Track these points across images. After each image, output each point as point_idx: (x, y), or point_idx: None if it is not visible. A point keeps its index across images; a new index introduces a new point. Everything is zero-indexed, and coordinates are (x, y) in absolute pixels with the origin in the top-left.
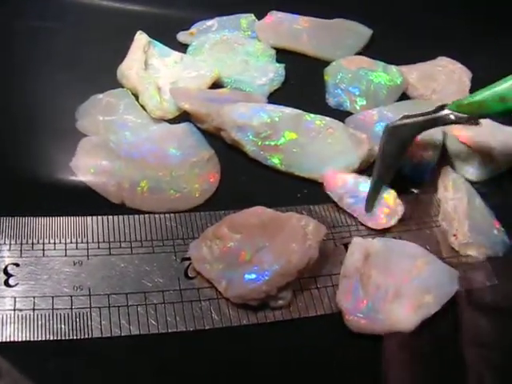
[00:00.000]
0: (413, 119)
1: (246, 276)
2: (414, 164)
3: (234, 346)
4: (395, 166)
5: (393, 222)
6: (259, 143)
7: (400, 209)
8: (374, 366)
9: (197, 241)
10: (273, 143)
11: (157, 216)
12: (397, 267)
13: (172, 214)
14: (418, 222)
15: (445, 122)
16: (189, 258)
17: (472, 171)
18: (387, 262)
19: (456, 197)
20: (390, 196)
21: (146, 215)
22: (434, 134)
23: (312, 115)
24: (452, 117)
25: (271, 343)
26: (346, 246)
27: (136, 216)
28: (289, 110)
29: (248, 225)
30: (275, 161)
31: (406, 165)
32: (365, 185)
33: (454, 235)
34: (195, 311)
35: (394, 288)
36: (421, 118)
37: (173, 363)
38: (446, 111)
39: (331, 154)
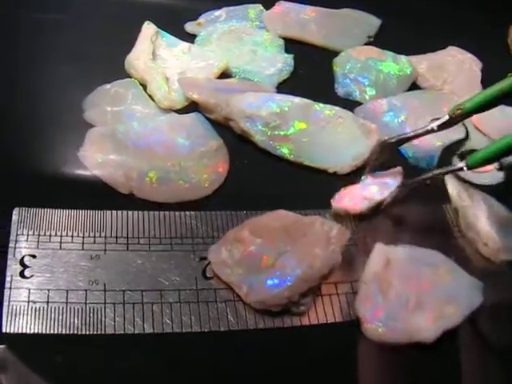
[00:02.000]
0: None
1: (268, 281)
2: (424, 153)
3: (248, 350)
4: None
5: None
6: (268, 133)
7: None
8: (392, 376)
9: (216, 244)
10: (282, 133)
11: (177, 213)
12: (419, 276)
13: (193, 212)
14: (440, 233)
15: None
16: (207, 258)
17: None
18: (409, 270)
19: (474, 204)
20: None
21: (166, 212)
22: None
23: (321, 105)
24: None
25: (287, 348)
26: (368, 252)
27: (156, 212)
28: (298, 100)
29: (270, 229)
30: (284, 151)
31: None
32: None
33: (485, 244)
34: (211, 312)
35: (415, 297)
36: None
37: (185, 363)
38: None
39: (341, 143)
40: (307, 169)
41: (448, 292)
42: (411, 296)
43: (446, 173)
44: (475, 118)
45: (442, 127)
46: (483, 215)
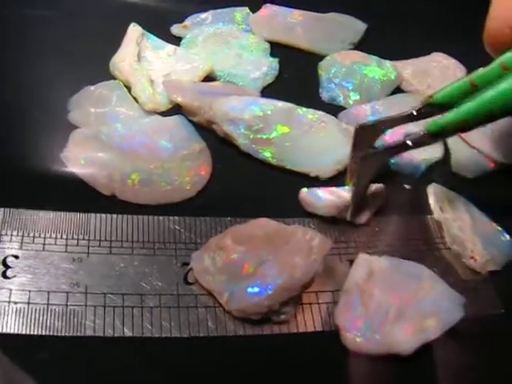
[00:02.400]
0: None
1: (249, 289)
2: (406, 158)
3: (226, 357)
4: (368, 185)
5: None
6: (251, 136)
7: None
8: None
9: (199, 251)
10: (265, 137)
11: (160, 218)
12: (401, 288)
13: (176, 217)
14: (425, 243)
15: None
16: (189, 263)
17: (469, 167)
18: (391, 282)
19: (457, 217)
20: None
21: (150, 216)
22: None
23: (304, 109)
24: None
25: (266, 356)
26: (351, 262)
27: (139, 216)
28: (281, 104)
29: (252, 237)
30: (267, 154)
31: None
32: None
33: (472, 257)
34: (191, 317)
35: (396, 309)
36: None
37: (163, 367)
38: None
39: (323, 148)
40: (289, 173)
41: (430, 306)
42: (392, 308)
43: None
44: None
45: (414, 117)
46: (468, 228)
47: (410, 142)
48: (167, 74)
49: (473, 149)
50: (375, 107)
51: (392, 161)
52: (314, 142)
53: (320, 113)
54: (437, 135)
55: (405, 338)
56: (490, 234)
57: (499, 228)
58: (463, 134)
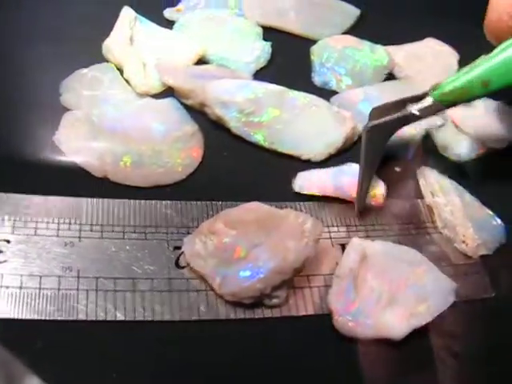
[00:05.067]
0: (385, 119)
1: (241, 273)
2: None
3: (218, 340)
4: (377, 163)
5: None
6: (243, 119)
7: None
8: (360, 371)
9: (191, 235)
10: (256, 120)
11: (152, 202)
12: (394, 273)
13: (168, 202)
14: (416, 228)
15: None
16: (181, 247)
17: (459, 151)
18: (384, 267)
19: (448, 201)
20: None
21: (142, 201)
22: None
23: (296, 92)
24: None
25: (257, 340)
26: (343, 246)
27: (131, 201)
28: (273, 87)
29: (244, 221)
30: (258, 137)
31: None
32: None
33: (463, 242)
34: (182, 301)
35: (389, 294)
36: (394, 117)
37: (155, 351)
38: (416, 106)
39: (314, 131)
40: (281, 156)
41: (422, 291)
42: (384, 292)
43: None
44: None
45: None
46: (459, 212)
47: (417, 111)
48: (159, 58)
49: (463, 133)
50: (367, 92)
51: None
52: (305, 125)
53: (312, 96)
54: (444, 104)
55: (396, 323)
56: (481, 218)
57: (490, 212)
58: (454, 119)
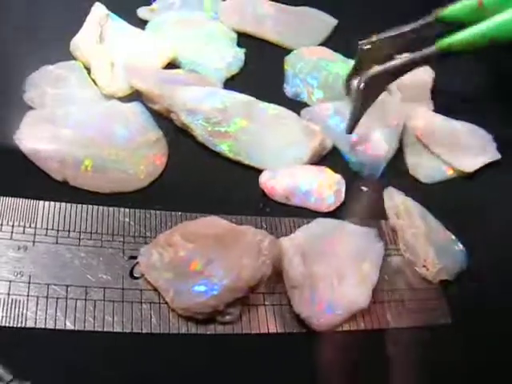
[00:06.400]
0: (384, 67)
1: (195, 288)
2: (367, 160)
3: (168, 354)
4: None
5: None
6: (209, 129)
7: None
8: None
9: (148, 246)
10: (223, 129)
11: (110, 209)
12: (326, 250)
13: (126, 209)
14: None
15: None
16: (136, 257)
17: (428, 172)
18: (318, 251)
19: (412, 223)
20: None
21: (100, 207)
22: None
23: (265, 103)
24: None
25: (207, 356)
26: None
27: (89, 206)
28: (242, 97)
29: (202, 235)
30: (224, 147)
31: (357, 160)
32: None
33: (424, 266)
34: (135, 313)
35: (335, 272)
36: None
37: (105, 362)
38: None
39: (282, 144)
40: (246, 167)
41: (355, 252)
42: (332, 274)
43: (414, 62)
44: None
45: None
46: (422, 236)
47: (419, 57)
48: (129, 58)
49: (433, 154)
50: (338, 106)
51: (352, 160)
52: (272, 137)
53: (281, 108)
54: (444, 53)
55: (356, 293)
56: (443, 243)
57: (453, 237)
58: (423, 139)
